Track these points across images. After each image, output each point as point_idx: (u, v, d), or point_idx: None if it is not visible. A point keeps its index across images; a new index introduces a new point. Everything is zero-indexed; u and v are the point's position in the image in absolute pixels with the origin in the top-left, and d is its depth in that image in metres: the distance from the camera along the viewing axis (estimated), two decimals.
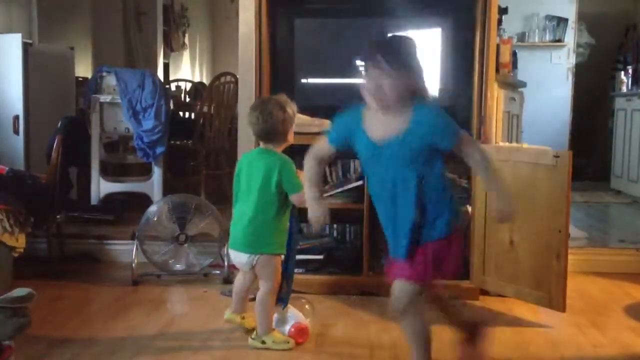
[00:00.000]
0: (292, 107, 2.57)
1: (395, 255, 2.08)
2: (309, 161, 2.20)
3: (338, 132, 2.17)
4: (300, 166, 2.35)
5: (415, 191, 2.00)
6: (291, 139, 2.61)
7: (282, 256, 2.62)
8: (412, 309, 2.05)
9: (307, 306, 2.83)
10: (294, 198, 2.51)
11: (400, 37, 2.13)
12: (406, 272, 2.04)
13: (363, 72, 2.04)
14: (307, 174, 2.22)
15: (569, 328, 2.85)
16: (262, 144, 2.61)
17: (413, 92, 2.01)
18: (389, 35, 2.34)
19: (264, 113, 2.52)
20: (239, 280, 2.70)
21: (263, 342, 2.57)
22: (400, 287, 2.05)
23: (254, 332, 2.60)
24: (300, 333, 2.61)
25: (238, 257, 2.61)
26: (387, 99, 1.99)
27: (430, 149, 2.00)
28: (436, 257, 2.02)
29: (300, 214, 2.53)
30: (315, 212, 2.18)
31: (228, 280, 3.37)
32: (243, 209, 2.57)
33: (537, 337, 2.74)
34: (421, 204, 2.01)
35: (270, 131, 2.54)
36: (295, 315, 2.66)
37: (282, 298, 2.70)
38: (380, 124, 2.04)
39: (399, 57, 1.99)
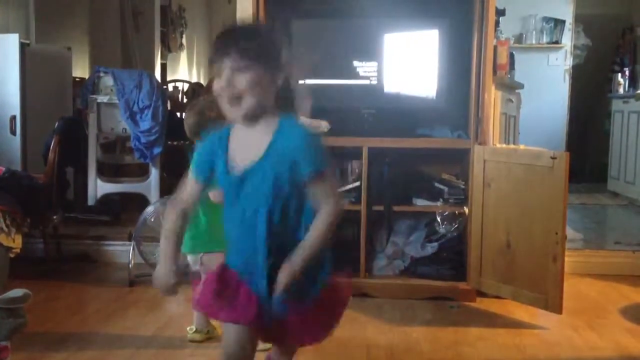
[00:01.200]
0: (200, 113, 2.50)
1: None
2: (170, 214, 1.66)
3: (201, 161, 1.64)
4: None
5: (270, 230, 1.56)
6: None
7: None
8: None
9: None
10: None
11: (261, 24, 1.57)
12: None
13: (216, 71, 1.54)
14: (166, 227, 1.67)
15: (565, 330, 2.85)
16: None
17: (281, 98, 1.58)
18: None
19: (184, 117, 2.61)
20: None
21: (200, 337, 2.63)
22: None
23: (192, 326, 2.65)
24: None
25: (187, 258, 2.65)
26: (244, 103, 1.52)
27: (293, 178, 1.52)
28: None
29: None
30: (161, 275, 1.62)
31: None
32: None
33: (533, 339, 2.74)
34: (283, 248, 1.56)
35: (188, 133, 2.59)
36: None
37: None
38: (241, 146, 1.58)
39: (259, 44, 1.52)
